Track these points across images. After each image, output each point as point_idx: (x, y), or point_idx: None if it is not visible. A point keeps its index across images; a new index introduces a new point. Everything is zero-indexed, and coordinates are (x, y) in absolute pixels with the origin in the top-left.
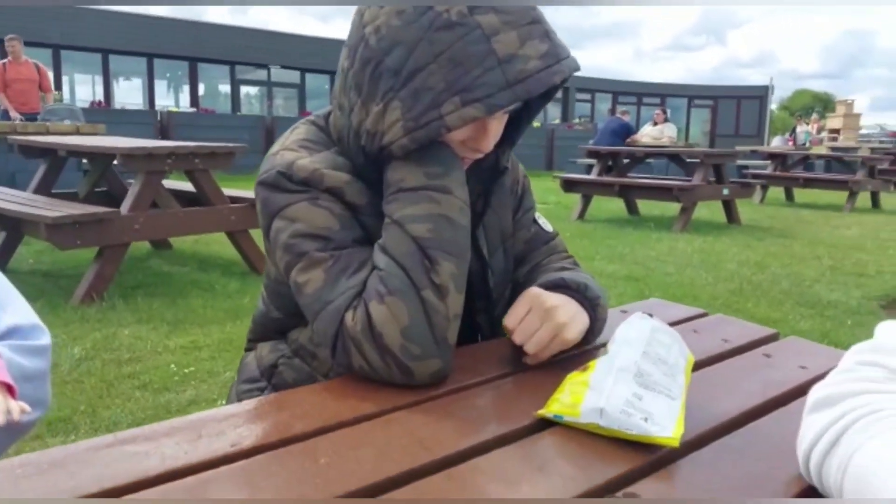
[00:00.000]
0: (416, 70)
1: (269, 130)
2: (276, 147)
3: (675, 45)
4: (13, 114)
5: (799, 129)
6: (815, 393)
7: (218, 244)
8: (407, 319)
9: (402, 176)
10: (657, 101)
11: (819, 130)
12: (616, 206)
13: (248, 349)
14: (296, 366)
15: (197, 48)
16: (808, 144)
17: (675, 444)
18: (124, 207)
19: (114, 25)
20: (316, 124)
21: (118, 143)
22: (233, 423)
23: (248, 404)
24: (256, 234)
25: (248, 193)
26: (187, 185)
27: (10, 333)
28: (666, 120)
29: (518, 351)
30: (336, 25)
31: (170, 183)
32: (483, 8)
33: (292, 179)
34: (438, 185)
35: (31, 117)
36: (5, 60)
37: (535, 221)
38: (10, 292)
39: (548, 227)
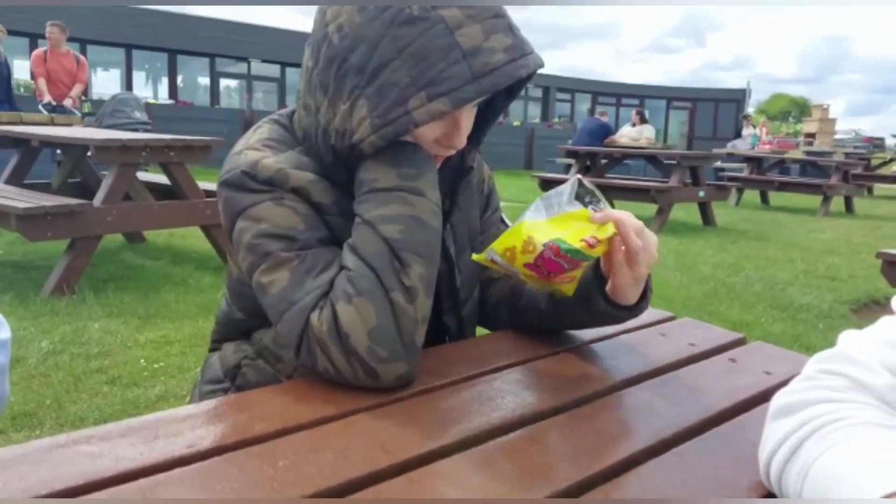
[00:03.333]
0: (380, 66)
1: (248, 124)
2: (239, 146)
3: (655, 47)
4: (47, 98)
5: (745, 131)
6: (777, 400)
7: (193, 238)
8: (374, 321)
9: (374, 176)
10: (636, 102)
11: (767, 133)
12: None
13: (212, 349)
14: (259, 367)
15: (177, 40)
16: (755, 147)
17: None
18: (97, 199)
19: (92, 15)
20: (279, 123)
21: (92, 135)
22: (191, 424)
23: (208, 404)
24: None
25: None
26: (162, 178)
27: None
28: (644, 121)
29: (485, 353)
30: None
31: (145, 176)
32: (445, 1)
33: (256, 179)
34: (411, 187)
35: (59, 108)
36: (45, 49)
37: (502, 221)
38: None
39: None
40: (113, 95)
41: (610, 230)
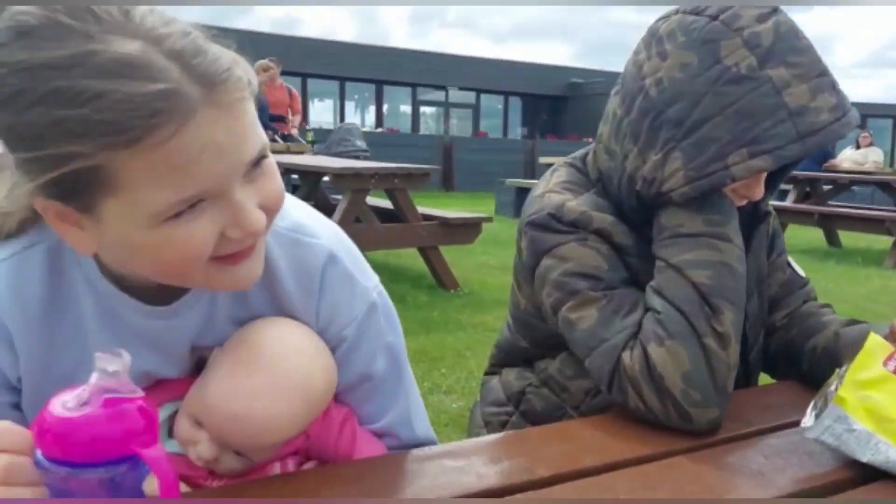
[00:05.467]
0: (701, 121)
1: (446, 149)
2: (539, 189)
3: (875, 61)
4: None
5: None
6: None
7: (406, 257)
8: (688, 364)
9: (680, 221)
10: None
11: None
12: (814, 235)
13: (490, 373)
14: (544, 395)
15: (383, 71)
16: None
17: None
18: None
19: (311, 50)
20: (574, 166)
21: (329, 163)
22: (524, 448)
23: (535, 432)
24: (445, 251)
25: (438, 211)
26: (385, 202)
27: None
28: (871, 144)
29: (783, 401)
30: (508, 46)
31: (369, 199)
32: (773, 62)
33: (562, 220)
34: (719, 233)
35: (289, 137)
36: (262, 82)
37: (788, 265)
38: None
39: (801, 271)
40: (339, 125)
41: None
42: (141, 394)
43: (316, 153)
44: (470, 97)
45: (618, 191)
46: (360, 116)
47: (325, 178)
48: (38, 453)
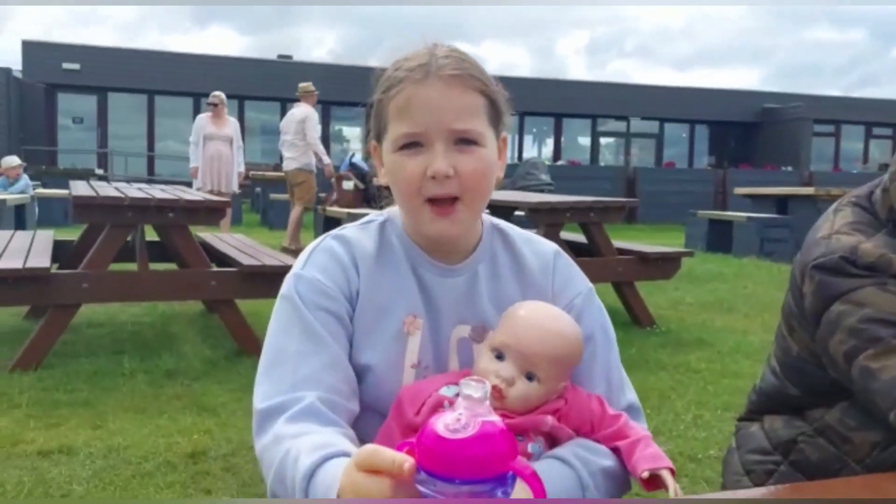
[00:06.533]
0: None
1: (629, 181)
2: (824, 230)
3: None
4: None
5: None
6: None
7: (599, 292)
8: None
9: None
10: None
11: None
12: None
13: (747, 419)
14: (820, 445)
15: (562, 104)
16: None
17: None
18: None
19: None
20: (859, 205)
21: (523, 198)
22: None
23: (828, 485)
24: (643, 286)
25: (634, 245)
26: (577, 236)
27: None
28: None
29: None
30: (692, 73)
31: (564, 234)
32: None
33: (856, 264)
34: None
35: None
36: None
37: None
38: None
39: None
40: (525, 160)
41: None
42: (497, 417)
43: (501, 188)
44: (653, 126)
45: None
46: (538, 149)
47: (517, 213)
48: (423, 473)
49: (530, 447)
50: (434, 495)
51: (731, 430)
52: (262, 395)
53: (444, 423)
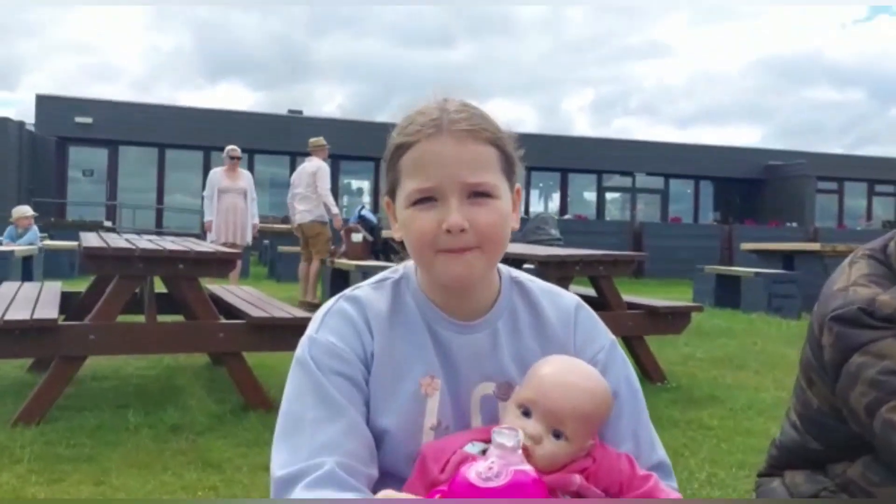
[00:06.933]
0: None
1: (636, 235)
2: (841, 283)
3: None
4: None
5: None
6: None
7: None
8: None
9: None
10: None
11: None
12: None
13: (767, 474)
14: (843, 501)
15: (568, 159)
16: None
17: None
18: None
19: None
20: (874, 258)
21: (532, 251)
22: None
23: None
24: (652, 342)
25: (644, 300)
26: (587, 290)
27: None
28: None
29: None
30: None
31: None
32: None
33: (874, 316)
34: None
35: None
36: None
37: None
38: None
39: None
40: (536, 214)
41: None
42: (529, 466)
43: (511, 240)
44: (658, 182)
45: None
46: (545, 203)
47: (526, 266)
48: None
49: None
50: None
51: (746, 488)
52: (280, 464)
53: (476, 472)
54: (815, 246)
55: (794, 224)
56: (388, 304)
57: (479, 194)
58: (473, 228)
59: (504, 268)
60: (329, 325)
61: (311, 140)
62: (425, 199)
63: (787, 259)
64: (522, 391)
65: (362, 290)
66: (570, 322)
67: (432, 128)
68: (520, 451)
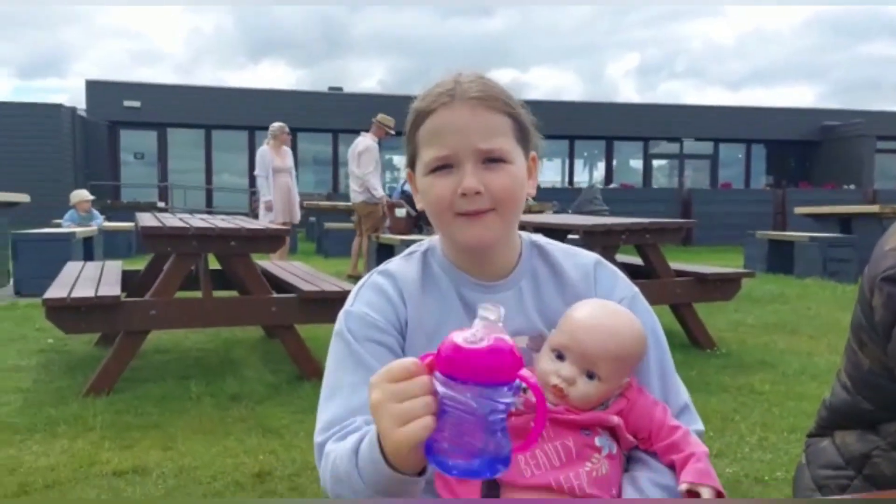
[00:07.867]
0: None
1: (684, 202)
2: (892, 243)
3: None
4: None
5: None
6: None
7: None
8: None
9: None
10: None
11: None
12: None
13: (817, 434)
14: (894, 459)
15: (613, 127)
16: None
17: None
18: None
19: (539, 112)
20: None
21: (577, 220)
22: None
23: None
24: (701, 308)
25: (693, 266)
26: (634, 259)
27: None
28: None
29: None
30: (745, 92)
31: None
32: None
33: None
34: None
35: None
36: None
37: None
38: None
39: None
40: (589, 186)
41: None
42: (508, 336)
43: (556, 212)
44: (707, 147)
45: None
46: (590, 173)
47: (571, 236)
48: (441, 376)
49: (597, 440)
50: (448, 392)
51: (797, 451)
52: (320, 428)
53: (462, 336)
54: (874, 208)
55: (852, 186)
56: (418, 273)
57: (493, 160)
58: (488, 191)
59: (524, 233)
60: (363, 298)
61: (380, 115)
62: (442, 167)
63: (844, 222)
64: (556, 335)
65: (393, 263)
66: (589, 278)
67: (447, 97)
68: (501, 324)
